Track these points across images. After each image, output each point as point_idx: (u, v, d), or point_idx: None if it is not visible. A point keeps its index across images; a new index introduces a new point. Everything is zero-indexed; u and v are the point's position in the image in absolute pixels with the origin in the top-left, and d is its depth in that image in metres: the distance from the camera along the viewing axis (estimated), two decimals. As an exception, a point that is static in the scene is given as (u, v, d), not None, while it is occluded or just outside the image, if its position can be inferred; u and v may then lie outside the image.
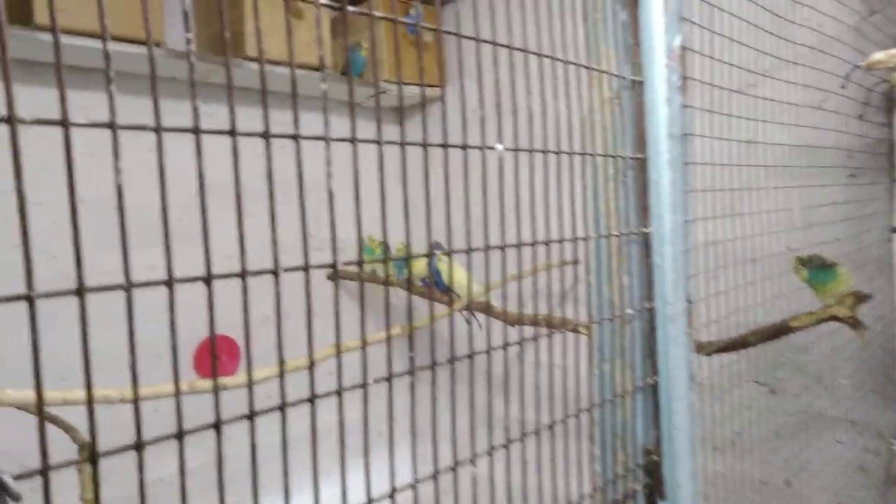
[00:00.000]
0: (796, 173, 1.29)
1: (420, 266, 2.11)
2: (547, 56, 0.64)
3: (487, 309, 1.82)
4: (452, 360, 0.58)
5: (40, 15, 1.34)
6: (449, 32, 0.56)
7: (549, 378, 0.66)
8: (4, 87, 0.31)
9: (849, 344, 1.50)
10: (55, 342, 0.97)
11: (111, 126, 0.36)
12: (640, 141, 0.76)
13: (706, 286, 0.94)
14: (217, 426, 0.42)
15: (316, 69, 1.84)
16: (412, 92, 2.16)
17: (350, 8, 0.51)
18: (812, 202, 1.30)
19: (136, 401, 0.40)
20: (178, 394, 0.41)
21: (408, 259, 0.55)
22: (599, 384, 0.77)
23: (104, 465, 0.38)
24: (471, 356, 0.61)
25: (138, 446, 0.38)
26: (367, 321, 0.57)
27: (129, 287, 0.36)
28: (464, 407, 0.70)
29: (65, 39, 1.40)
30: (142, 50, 1.52)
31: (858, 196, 1.46)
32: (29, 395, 0.99)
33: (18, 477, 0.37)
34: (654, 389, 0.80)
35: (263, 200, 0.43)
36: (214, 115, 2.01)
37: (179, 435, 0.40)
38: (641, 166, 0.77)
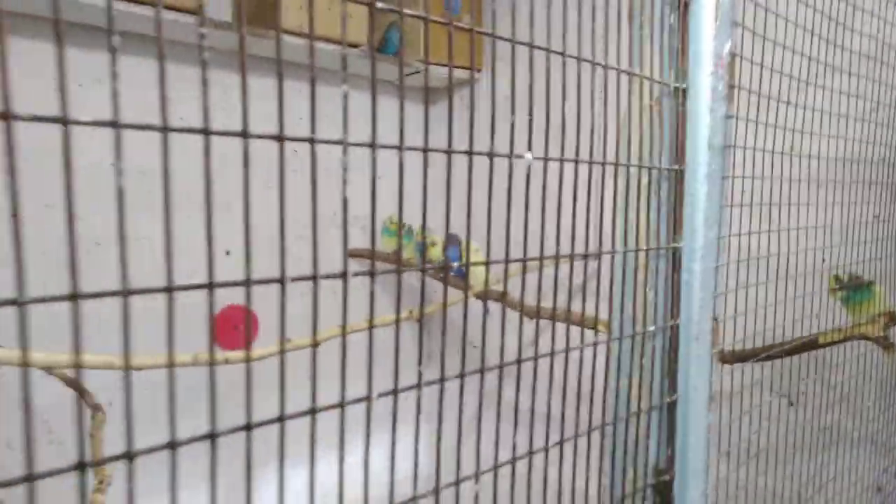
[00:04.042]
0: (839, 187, 1.23)
1: (437, 251, 2.09)
2: (586, 60, 0.60)
3: (503, 298, 1.80)
4: (464, 350, 0.56)
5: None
6: (483, 33, 0.53)
7: (563, 375, 0.64)
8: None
9: (879, 366, 1.45)
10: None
11: (114, 125, 0.34)
12: (679, 152, 0.73)
13: (736, 303, 0.91)
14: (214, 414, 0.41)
15: (350, 45, 1.80)
16: (443, 73, 2.11)
17: None
18: (854, 218, 1.25)
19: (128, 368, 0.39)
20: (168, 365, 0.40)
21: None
22: (615, 399, 0.74)
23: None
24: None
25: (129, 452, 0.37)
26: (379, 302, 0.56)
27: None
28: (472, 395, 0.68)
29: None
30: (181, 18, 1.51)
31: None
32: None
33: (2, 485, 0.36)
34: (671, 408, 0.78)
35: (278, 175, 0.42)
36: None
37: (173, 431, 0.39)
38: (677, 178, 0.73)
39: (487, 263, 0.54)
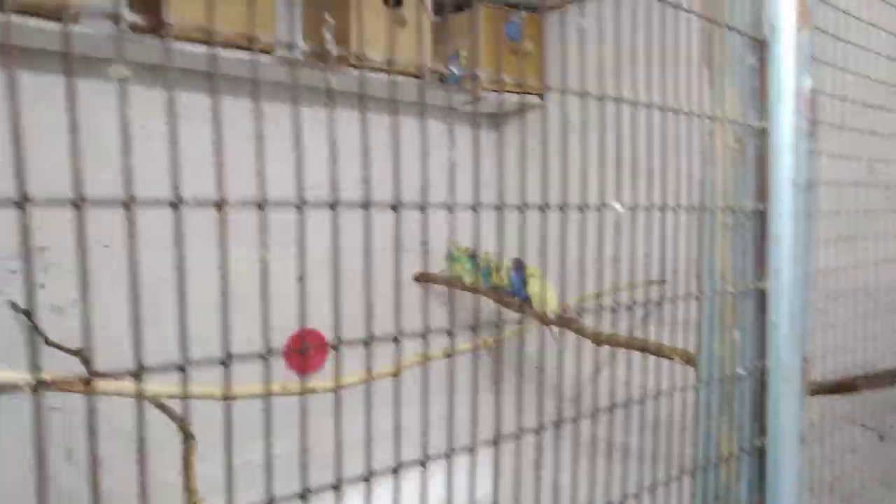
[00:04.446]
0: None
1: (502, 276, 2.09)
2: (669, 109, 0.61)
3: (570, 325, 1.77)
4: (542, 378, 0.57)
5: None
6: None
7: (650, 415, 0.64)
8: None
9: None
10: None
11: (175, 205, 0.37)
12: (762, 191, 0.72)
13: (822, 340, 0.88)
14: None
15: (415, 76, 1.85)
16: (510, 100, 2.14)
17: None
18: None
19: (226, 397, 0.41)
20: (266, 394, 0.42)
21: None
22: (704, 443, 0.73)
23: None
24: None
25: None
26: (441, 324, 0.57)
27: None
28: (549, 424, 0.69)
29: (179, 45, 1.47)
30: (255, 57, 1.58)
31: None
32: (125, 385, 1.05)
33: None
34: (760, 452, 0.76)
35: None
36: (316, 117, 2.07)
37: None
38: (761, 218, 0.73)
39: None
